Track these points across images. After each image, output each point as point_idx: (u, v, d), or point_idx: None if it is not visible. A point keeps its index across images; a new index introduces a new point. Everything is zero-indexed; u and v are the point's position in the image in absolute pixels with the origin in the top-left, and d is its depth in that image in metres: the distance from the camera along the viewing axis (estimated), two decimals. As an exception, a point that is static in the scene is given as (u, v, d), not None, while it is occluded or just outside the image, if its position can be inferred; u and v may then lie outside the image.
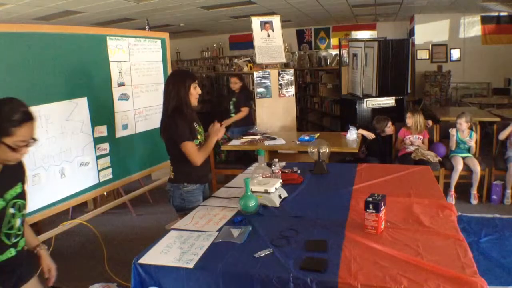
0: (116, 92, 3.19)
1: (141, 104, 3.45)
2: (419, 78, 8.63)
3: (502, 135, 4.14)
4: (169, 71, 3.79)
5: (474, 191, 4.06)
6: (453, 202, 3.98)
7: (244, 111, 4.97)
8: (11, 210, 1.46)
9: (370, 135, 4.37)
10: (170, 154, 2.44)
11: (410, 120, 4.31)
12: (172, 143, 2.35)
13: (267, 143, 4.01)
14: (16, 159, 1.45)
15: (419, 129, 4.29)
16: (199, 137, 2.39)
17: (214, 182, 4.36)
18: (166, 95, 2.34)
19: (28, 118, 1.42)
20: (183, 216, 2.16)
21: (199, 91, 2.40)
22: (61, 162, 2.73)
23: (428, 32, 8.70)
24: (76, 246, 3.49)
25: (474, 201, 4.05)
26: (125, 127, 3.29)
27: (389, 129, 4.51)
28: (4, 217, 1.44)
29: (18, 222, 1.50)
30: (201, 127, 2.48)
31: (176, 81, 2.32)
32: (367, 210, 1.75)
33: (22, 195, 1.54)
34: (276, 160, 2.63)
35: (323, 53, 9.19)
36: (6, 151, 1.38)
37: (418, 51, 8.79)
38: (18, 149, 1.40)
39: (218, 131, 2.37)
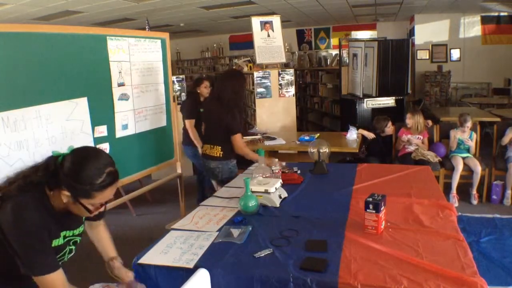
0: (116, 92, 3.19)
1: (141, 104, 3.45)
2: (419, 78, 8.64)
3: (505, 140, 4.12)
4: (169, 71, 3.79)
5: (474, 191, 4.06)
6: (456, 204, 3.97)
7: (187, 124, 4.07)
8: (69, 247, 1.44)
9: (370, 135, 4.37)
10: (218, 137, 2.91)
11: (410, 120, 4.31)
12: (224, 129, 2.84)
13: (267, 143, 4.01)
14: (87, 215, 1.36)
15: (419, 129, 4.30)
16: None
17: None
18: (230, 89, 2.84)
19: (113, 181, 1.29)
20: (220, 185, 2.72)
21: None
22: (61, 162, 2.72)
23: (428, 32, 8.70)
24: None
25: (474, 201, 4.05)
26: (125, 127, 3.29)
27: (389, 129, 4.52)
28: (61, 252, 1.39)
29: (71, 254, 1.47)
30: None
31: (242, 82, 2.94)
32: (367, 210, 1.75)
33: (82, 233, 1.50)
34: (276, 160, 2.63)
35: (323, 53, 9.20)
36: (81, 209, 1.28)
37: (418, 51, 8.79)
38: (94, 209, 1.31)
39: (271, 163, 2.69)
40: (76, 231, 1.46)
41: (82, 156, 1.28)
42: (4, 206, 1.24)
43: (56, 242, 1.34)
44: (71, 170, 1.24)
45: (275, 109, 5.00)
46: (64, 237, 1.39)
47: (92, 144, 2.97)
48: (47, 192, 1.29)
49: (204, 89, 4.17)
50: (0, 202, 1.26)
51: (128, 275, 1.61)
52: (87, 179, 1.23)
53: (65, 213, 1.34)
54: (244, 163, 3.11)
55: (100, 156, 1.31)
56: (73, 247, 1.47)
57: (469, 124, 4.07)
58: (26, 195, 1.25)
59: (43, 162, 1.31)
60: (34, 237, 1.23)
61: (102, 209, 1.36)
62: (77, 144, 2.83)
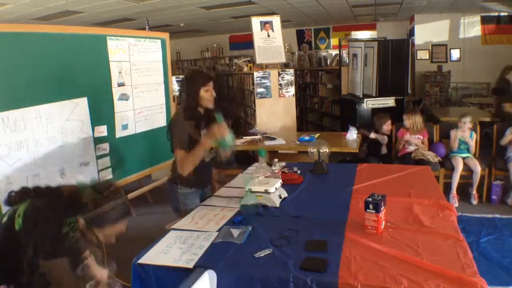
0: (116, 92, 3.19)
1: (141, 104, 3.45)
2: (419, 78, 8.63)
3: (504, 140, 4.12)
4: (169, 71, 3.79)
5: (474, 191, 4.05)
6: (456, 204, 3.95)
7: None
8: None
9: (383, 139, 4.40)
10: (173, 153, 2.39)
11: (407, 121, 4.32)
12: (172, 146, 2.32)
13: (267, 143, 4.01)
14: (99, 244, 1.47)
15: (418, 129, 4.30)
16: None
17: (215, 182, 4.35)
18: (178, 96, 2.33)
19: (125, 216, 1.42)
20: (183, 214, 2.16)
21: (213, 94, 2.27)
22: (61, 162, 2.73)
23: (428, 32, 8.70)
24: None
25: (474, 201, 4.04)
26: (125, 127, 3.29)
27: (387, 127, 4.51)
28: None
29: None
30: None
31: (186, 83, 2.27)
32: (367, 210, 1.75)
33: None
34: (276, 160, 2.63)
35: (323, 53, 9.19)
36: (93, 238, 1.40)
37: (418, 51, 8.79)
38: (105, 240, 1.42)
39: (213, 134, 2.12)
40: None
41: (100, 191, 1.41)
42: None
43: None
44: (89, 204, 1.36)
45: (275, 109, 5.00)
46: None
47: (92, 144, 2.98)
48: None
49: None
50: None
51: (103, 275, 1.66)
52: (101, 212, 1.37)
53: None
54: (244, 163, 3.10)
55: (117, 192, 1.43)
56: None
57: (467, 120, 4.07)
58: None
59: (68, 189, 1.41)
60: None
61: (113, 241, 1.47)
62: (77, 144, 2.84)
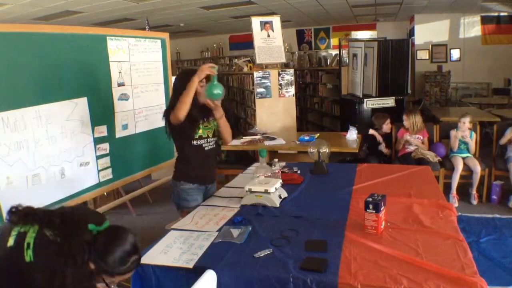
0: (116, 92, 3.19)
1: (141, 104, 3.45)
2: (419, 78, 8.64)
3: (503, 140, 4.13)
4: (169, 71, 3.79)
5: (474, 191, 4.05)
6: (456, 204, 3.95)
7: None
8: None
9: (379, 137, 4.41)
10: (176, 150, 2.46)
11: (407, 122, 4.33)
12: (174, 140, 2.39)
13: (267, 143, 4.00)
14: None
15: (417, 129, 4.30)
16: (200, 131, 2.35)
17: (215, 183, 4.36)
18: (172, 93, 2.34)
19: (136, 267, 1.40)
20: (183, 214, 2.17)
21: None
22: (61, 162, 2.73)
23: (428, 32, 8.70)
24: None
25: (474, 201, 4.05)
26: (125, 127, 3.29)
27: (387, 126, 4.51)
28: None
29: None
30: (213, 122, 2.42)
31: (181, 79, 2.29)
32: (367, 210, 1.75)
33: None
34: (276, 160, 2.63)
35: (323, 53, 9.19)
36: (100, 281, 1.37)
37: (418, 51, 8.79)
38: (111, 285, 1.40)
39: (201, 70, 2.18)
40: None
41: (113, 240, 1.37)
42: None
43: None
44: (101, 251, 1.33)
45: (275, 109, 5.00)
46: None
47: (92, 144, 2.98)
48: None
49: None
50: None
51: None
52: (113, 263, 1.33)
53: None
54: (244, 163, 3.10)
55: (129, 242, 1.39)
56: None
57: (466, 120, 4.07)
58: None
59: (81, 226, 1.35)
60: None
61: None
62: (77, 144, 2.84)
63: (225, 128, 2.44)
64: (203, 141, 2.38)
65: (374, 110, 5.37)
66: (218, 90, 2.22)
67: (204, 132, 2.38)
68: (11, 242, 1.27)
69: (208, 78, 2.27)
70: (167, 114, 2.30)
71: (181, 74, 2.40)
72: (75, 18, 6.41)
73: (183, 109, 2.15)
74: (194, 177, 2.39)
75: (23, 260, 1.24)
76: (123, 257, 1.35)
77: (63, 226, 1.31)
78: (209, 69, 2.19)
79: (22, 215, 1.33)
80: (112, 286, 1.40)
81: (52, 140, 2.66)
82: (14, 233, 1.29)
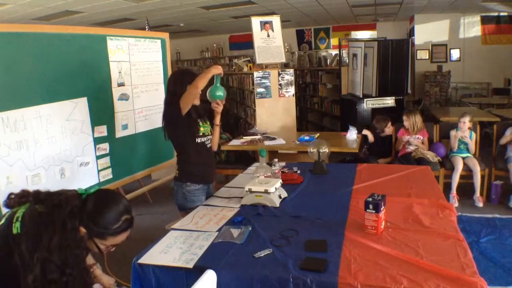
0: (116, 92, 3.19)
1: (141, 104, 3.45)
2: (419, 78, 8.63)
3: (503, 140, 4.12)
4: (169, 71, 3.79)
5: (477, 194, 3.97)
6: (456, 204, 3.92)
7: None
8: None
9: (372, 138, 4.41)
10: (176, 152, 2.45)
11: (407, 122, 4.33)
12: (175, 141, 2.39)
13: (267, 143, 4.01)
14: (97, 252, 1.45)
15: (417, 129, 4.30)
16: (202, 129, 2.39)
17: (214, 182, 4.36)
18: (166, 95, 2.36)
19: (127, 227, 1.40)
20: (185, 215, 2.17)
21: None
22: (61, 162, 2.73)
23: (428, 32, 8.70)
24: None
25: (480, 203, 3.94)
26: (125, 127, 3.29)
27: (389, 129, 4.52)
28: None
29: None
30: (208, 122, 2.49)
31: (175, 80, 2.33)
32: (367, 210, 1.75)
33: None
34: (276, 160, 2.63)
35: (323, 53, 9.19)
36: (93, 247, 1.38)
37: (418, 51, 8.79)
38: (105, 250, 1.40)
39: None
40: None
41: (103, 201, 1.37)
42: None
43: None
44: (92, 212, 1.33)
45: (275, 109, 5.00)
46: None
47: (92, 144, 2.98)
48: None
49: None
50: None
51: (110, 282, 1.67)
52: (104, 223, 1.33)
53: None
54: (244, 163, 3.10)
55: (120, 202, 1.39)
56: None
57: (465, 119, 4.06)
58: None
59: (69, 196, 1.36)
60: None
61: (112, 249, 1.44)
62: (77, 144, 2.84)
63: (217, 137, 2.54)
64: (205, 138, 2.41)
65: (374, 110, 5.37)
66: (220, 92, 2.35)
67: (204, 129, 2.42)
68: (3, 221, 1.32)
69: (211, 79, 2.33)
70: (169, 110, 2.30)
71: (179, 74, 2.44)
72: (75, 18, 6.41)
73: (203, 83, 2.21)
74: (200, 177, 2.40)
75: (11, 233, 1.26)
76: (114, 216, 1.34)
77: (52, 198, 1.34)
78: (219, 69, 2.30)
79: (17, 198, 1.36)
80: (105, 252, 1.39)
81: (52, 140, 2.66)
82: (7, 214, 1.33)
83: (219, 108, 2.40)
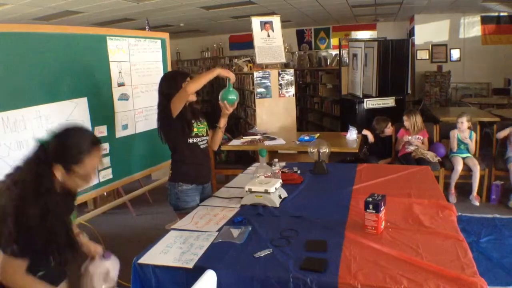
0: (116, 92, 3.19)
1: (141, 104, 3.45)
2: (419, 78, 8.64)
3: (500, 135, 4.14)
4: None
5: (474, 193, 4.00)
6: (455, 201, 3.96)
7: None
8: None
9: (372, 139, 4.41)
10: (171, 152, 2.44)
11: (407, 122, 4.33)
12: (169, 142, 2.38)
13: (267, 143, 4.01)
14: (83, 187, 1.48)
15: (417, 129, 4.30)
16: (195, 129, 2.36)
17: (214, 182, 4.35)
18: (159, 97, 2.33)
19: (97, 140, 1.43)
20: (181, 216, 2.17)
21: None
22: (61, 162, 2.72)
23: (428, 32, 8.70)
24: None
25: (476, 202, 3.99)
26: (125, 127, 3.29)
27: (389, 130, 4.53)
28: None
29: None
30: (204, 123, 2.47)
31: (167, 82, 2.33)
32: (367, 210, 1.75)
33: None
34: (276, 160, 2.63)
35: (323, 53, 9.19)
36: (76, 180, 1.40)
37: (418, 51, 8.79)
38: (88, 177, 1.42)
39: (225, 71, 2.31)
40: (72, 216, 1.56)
41: (64, 129, 1.40)
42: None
43: None
44: (58, 143, 1.36)
45: (275, 109, 5.00)
46: None
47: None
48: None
49: None
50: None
51: (97, 249, 1.68)
52: (74, 144, 1.37)
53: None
54: (244, 163, 3.10)
55: (79, 126, 1.45)
56: None
57: (463, 119, 4.06)
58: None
59: (32, 154, 1.38)
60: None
61: (94, 178, 1.48)
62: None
63: (219, 139, 2.56)
64: (198, 139, 2.39)
65: (374, 110, 5.37)
66: (233, 96, 2.36)
67: (198, 130, 2.39)
68: None
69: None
70: (163, 112, 2.30)
71: (172, 75, 2.45)
72: (75, 18, 6.41)
73: (194, 87, 2.20)
74: (193, 177, 2.39)
75: None
76: (79, 135, 1.39)
77: (18, 167, 1.38)
78: (228, 73, 2.31)
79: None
80: (90, 179, 1.42)
81: (52, 140, 2.66)
82: None
83: (228, 111, 2.40)
